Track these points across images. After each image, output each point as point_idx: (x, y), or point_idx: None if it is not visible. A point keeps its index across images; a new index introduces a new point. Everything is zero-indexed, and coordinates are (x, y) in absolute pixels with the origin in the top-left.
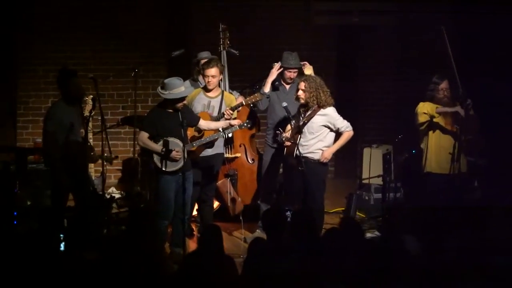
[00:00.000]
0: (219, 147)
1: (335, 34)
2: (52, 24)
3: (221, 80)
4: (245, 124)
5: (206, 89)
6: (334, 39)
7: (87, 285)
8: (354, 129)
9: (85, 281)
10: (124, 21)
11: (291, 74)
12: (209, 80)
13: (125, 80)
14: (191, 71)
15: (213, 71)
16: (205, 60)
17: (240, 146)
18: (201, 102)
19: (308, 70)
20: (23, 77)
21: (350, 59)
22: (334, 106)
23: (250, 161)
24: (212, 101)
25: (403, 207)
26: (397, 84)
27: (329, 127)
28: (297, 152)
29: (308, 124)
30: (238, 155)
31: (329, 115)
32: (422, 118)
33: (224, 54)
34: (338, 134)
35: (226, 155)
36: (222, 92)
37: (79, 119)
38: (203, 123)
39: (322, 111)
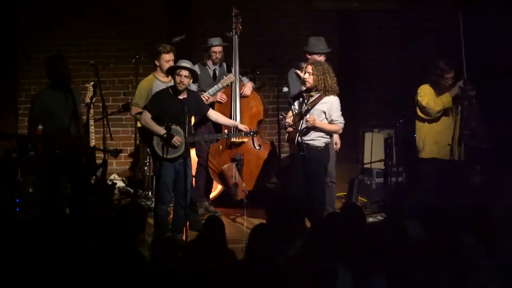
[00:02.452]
0: None
1: (336, 19)
2: (53, 11)
3: (232, 65)
4: (252, 133)
5: (163, 75)
6: (335, 24)
7: (88, 271)
8: (355, 114)
9: (86, 267)
10: (125, 7)
11: (321, 58)
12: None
13: (126, 66)
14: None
15: (167, 56)
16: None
17: None
18: (158, 88)
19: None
20: (25, 64)
21: (351, 44)
22: (338, 95)
23: (256, 147)
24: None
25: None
26: (399, 68)
27: (325, 115)
28: (299, 138)
29: (311, 111)
30: (245, 140)
31: (330, 103)
32: (438, 107)
33: (236, 39)
34: None
35: (233, 140)
36: None
37: (68, 106)
38: (212, 114)
39: (325, 98)
